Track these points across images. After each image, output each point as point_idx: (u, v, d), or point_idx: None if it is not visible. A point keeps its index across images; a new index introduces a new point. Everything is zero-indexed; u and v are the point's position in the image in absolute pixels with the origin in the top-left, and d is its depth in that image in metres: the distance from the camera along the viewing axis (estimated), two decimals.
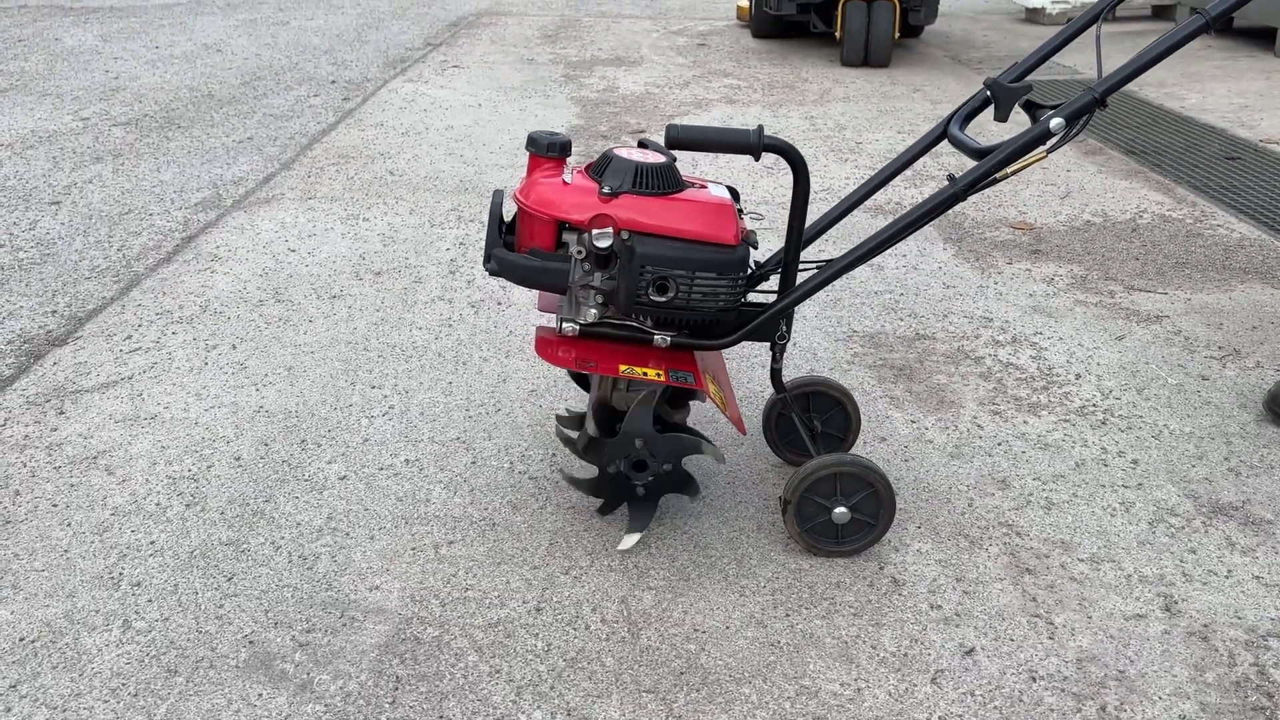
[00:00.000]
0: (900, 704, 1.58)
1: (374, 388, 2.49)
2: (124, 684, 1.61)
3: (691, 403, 2.00)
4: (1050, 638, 1.71)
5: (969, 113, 1.96)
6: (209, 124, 4.90)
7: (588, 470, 1.98)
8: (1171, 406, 2.42)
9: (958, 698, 1.59)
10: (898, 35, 6.25)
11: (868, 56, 6.22)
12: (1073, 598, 1.80)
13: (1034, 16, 8.06)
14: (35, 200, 3.82)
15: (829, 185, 4.02)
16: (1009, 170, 1.74)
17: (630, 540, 1.90)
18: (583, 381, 2.13)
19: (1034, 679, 1.63)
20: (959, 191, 1.75)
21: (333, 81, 5.84)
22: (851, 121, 5.01)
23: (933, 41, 7.24)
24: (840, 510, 1.84)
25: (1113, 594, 1.81)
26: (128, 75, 5.90)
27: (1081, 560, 1.90)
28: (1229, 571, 1.87)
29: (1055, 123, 1.69)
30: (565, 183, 1.75)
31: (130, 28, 7.44)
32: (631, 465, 1.85)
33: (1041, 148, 1.72)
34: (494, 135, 4.72)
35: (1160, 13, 7.97)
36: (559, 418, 2.13)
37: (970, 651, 1.68)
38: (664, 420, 1.90)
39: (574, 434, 2.04)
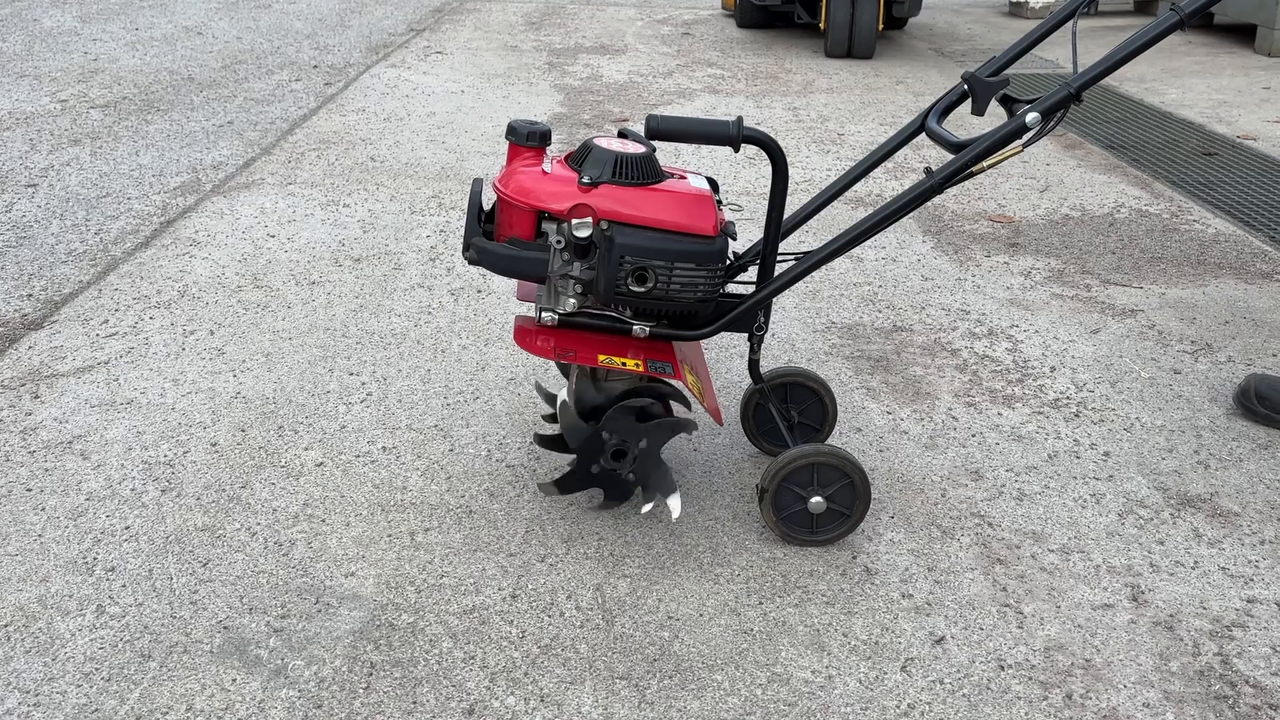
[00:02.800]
0: (870, 691, 1.60)
1: (352, 374, 2.49)
2: (97, 668, 1.61)
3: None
4: (1019, 627, 1.73)
5: (947, 106, 1.97)
6: (189, 107, 4.86)
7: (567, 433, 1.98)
8: (1144, 400, 2.45)
9: (927, 685, 1.61)
10: (882, 27, 6.26)
11: (851, 48, 6.22)
12: (1042, 588, 1.83)
13: (1017, 10, 8.09)
14: (11, 183, 3.79)
15: (810, 176, 4.03)
16: (985, 164, 1.75)
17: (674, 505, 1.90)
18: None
19: (1002, 667, 1.65)
20: (936, 185, 1.76)
21: (314, 66, 5.80)
22: (834, 113, 5.02)
23: (916, 34, 7.26)
24: (816, 500, 1.85)
25: (1081, 584, 1.84)
26: (107, 57, 5.84)
27: (1052, 551, 1.92)
28: (1195, 563, 1.90)
29: (1031, 117, 1.71)
30: (545, 172, 1.75)
31: (109, 9, 7.37)
32: (612, 453, 1.87)
33: (1017, 142, 1.74)
34: (476, 122, 4.70)
35: (1142, 7, 8.01)
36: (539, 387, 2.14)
37: (940, 640, 1.70)
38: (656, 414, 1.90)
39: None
